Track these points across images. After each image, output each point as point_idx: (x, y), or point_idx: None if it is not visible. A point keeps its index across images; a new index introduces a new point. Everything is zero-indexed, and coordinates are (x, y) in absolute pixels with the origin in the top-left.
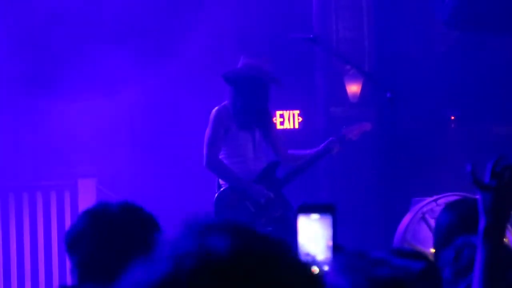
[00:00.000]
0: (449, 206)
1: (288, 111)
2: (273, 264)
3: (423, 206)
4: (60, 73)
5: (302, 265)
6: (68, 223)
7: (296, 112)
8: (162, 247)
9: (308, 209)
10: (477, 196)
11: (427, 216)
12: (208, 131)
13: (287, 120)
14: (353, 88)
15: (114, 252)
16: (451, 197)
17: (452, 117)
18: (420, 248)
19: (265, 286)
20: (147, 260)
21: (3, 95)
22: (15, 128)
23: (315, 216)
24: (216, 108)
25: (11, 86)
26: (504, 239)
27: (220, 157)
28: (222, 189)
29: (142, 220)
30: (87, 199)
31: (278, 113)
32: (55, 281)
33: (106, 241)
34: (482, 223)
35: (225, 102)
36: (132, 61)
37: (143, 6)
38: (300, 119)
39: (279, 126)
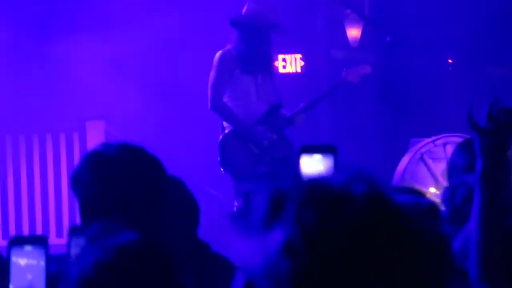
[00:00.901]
0: (462, 146)
1: (290, 55)
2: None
3: (421, 147)
4: (68, 15)
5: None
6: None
7: (298, 56)
8: None
9: (310, 150)
10: (475, 139)
11: (425, 156)
12: (212, 74)
13: (289, 64)
14: (354, 32)
15: (114, 192)
16: (449, 138)
17: (450, 60)
18: (419, 187)
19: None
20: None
21: (11, 40)
22: (26, 72)
23: (317, 156)
24: (220, 51)
25: (19, 30)
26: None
27: (224, 100)
28: (226, 131)
29: (143, 160)
30: (95, 140)
31: (280, 57)
32: (65, 222)
33: (104, 181)
34: (479, 166)
35: (229, 46)
36: (140, 3)
37: None
38: (302, 63)
39: (281, 70)
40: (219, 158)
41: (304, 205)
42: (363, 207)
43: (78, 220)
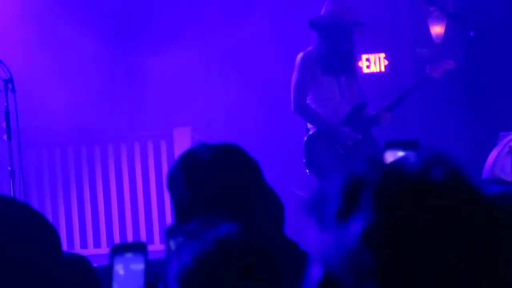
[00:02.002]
0: None
1: (374, 55)
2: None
3: (510, 140)
4: (153, 26)
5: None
6: (164, 171)
7: (382, 55)
8: None
9: (394, 146)
10: None
11: None
12: (294, 76)
13: (373, 63)
14: (437, 29)
15: (206, 194)
16: None
17: None
18: (508, 181)
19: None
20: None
21: (99, 51)
22: (113, 82)
23: (401, 153)
24: (301, 53)
25: (106, 42)
26: None
27: (307, 101)
28: (310, 132)
29: (237, 162)
30: (182, 147)
31: (364, 57)
32: (155, 227)
33: (197, 184)
34: None
35: (310, 48)
36: (221, 10)
37: None
38: (386, 62)
39: (365, 70)
40: (304, 160)
41: (381, 193)
42: (442, 194)
43: (171, 221)
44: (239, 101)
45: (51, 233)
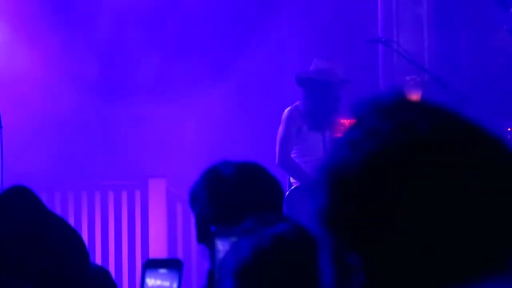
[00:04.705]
0: None
1: (349, 120)
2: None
3: None
4: (129, 78)
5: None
6: (138, 222)
7: None
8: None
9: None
10: None
11: None
12: (280, 131)
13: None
14: (414, 98)
15: (229, 212)
16: None
17: (510, 129)
18: None
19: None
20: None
21: (76, 99)
22: (88, 130)
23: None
24: (288, 108)
25: (80, 91)
26: None
27: (292, 156)
28: (293, 187)
29: (261, 182)
30: (157, 198)
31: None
32: (124, 277)
33: (219, 198)
34: None
35: (297, 103)
36: (200, 64)
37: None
38: None
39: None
40: (285, 213)
41: None
42: None
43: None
44: (217, 153)
45: (81, 241)
